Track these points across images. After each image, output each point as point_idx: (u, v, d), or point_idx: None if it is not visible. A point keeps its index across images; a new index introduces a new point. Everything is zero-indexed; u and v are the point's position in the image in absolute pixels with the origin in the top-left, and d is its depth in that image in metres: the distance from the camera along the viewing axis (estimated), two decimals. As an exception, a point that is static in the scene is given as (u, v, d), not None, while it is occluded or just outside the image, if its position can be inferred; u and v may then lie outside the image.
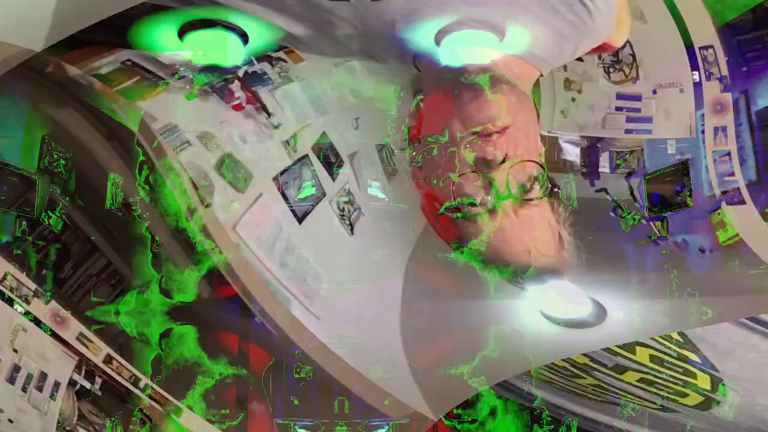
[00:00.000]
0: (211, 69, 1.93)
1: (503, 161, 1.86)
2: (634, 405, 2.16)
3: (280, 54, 1.94)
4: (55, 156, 1.88)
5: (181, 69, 1.92)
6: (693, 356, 2.10)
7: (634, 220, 2.01)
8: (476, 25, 1.81)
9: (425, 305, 2.12)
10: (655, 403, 2.15)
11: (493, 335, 2.08)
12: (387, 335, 2.12)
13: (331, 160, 2.08)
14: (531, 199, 1.88)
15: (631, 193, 2.03)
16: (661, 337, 2.09)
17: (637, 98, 1.99)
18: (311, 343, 2.07)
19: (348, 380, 2.11)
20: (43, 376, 1.77)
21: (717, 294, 1.97)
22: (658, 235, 2.01)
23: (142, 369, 1.95)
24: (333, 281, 2.07)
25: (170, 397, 1.93)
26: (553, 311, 2.06)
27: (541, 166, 1.90)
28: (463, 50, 1.87)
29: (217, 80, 1.94)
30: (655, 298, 1.99)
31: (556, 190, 1.94)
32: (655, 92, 1.99)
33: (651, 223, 2.02)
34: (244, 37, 1.88)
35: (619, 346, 2.10)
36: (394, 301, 2.12)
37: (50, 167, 1.88)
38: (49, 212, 1.86)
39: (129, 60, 1.90)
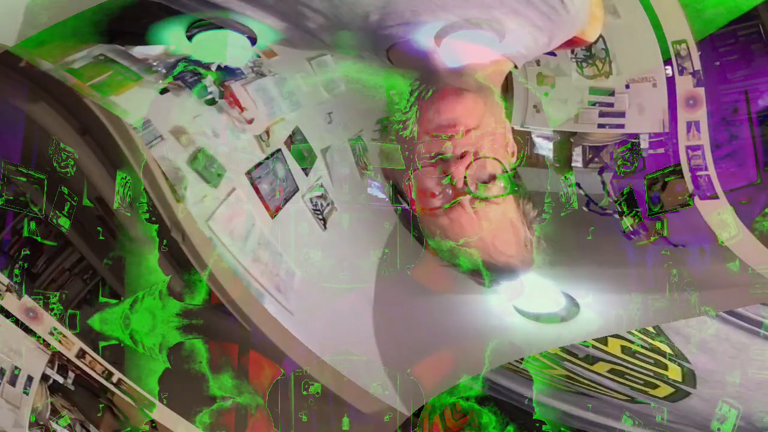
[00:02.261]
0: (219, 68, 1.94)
1: (462, 157, 1.87)
2: (636, 419, 2.17)
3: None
4: (63, 156, 1.88)
5: (155, 64, 1.92)
6: (665, 347, 2.12)
7: (634, 219, 2.02)
8: (474, 26, 1.81)
9: (399, 300, 2.13)
10: (624, 395, 2.16)
11: (489, 351, 2.10)
12: (360, 330, 2.13)
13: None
14: (491, 197, 1.89)
15: (604, 187, 2.05)
16: (633, 328, 2.11)
17: (610, 93, 2.00)
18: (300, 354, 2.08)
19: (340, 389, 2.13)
20: (16, 371, 1.78)
21: (717, 294, 1.99)
22: (631, 229, 2.03)
23: (148, 387, 1.97)
24: (306, 276, 2.08)
25: (143, 391, 1.94)
26: (524, 305, 2.08)
27: (503, 164, 1.91)
28: (461, 49, 1.87)
29: (191, 75, 1.95)
30: (654, 296, 2.00)
31: (520, 189, 1.95)
32: (628, 87, 1.99)
33: (624, 218, 2.04)
34: (252, 38, 1.88)
35: (591, 338, 2.12)
36: (368, 296, 2.13)
37: (59, 167, 1.88)
38: (57, 212, 1.87)
39: (102, 54, 1.90)
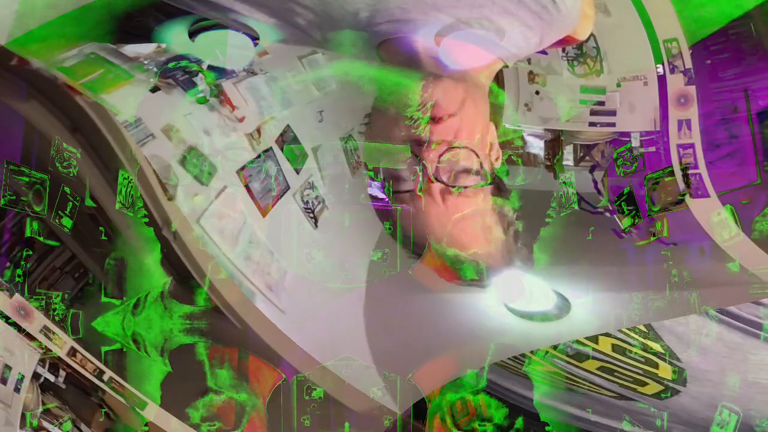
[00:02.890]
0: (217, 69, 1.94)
1: (438, 144, 1.87)
2: (636, 423, 2.17)
3: (244, 46, 1.95)
4: (66, 155, 1.89)
5: (146, 62, 1.93)
6: (656, 346, 2.12)
7: (633, 219, 2.02)
8: (465, 25, 1.81)
9: (395, 299, 2.14)
10: (612, 392, 2.16)
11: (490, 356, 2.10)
12: (355, 329, 2.13)
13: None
14: (460, 189, 1.89)
15: (595, 186, 2.05)
16: (625, 326, 2.11)
17: (601, 91, 2.00)
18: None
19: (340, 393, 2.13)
20: (7, 369, 1.79)
21: (717, 293, 1.99)
22: (623, 228, 2.03)
23: (148, 392, 1.97)
24: (297, 274, 2.08)
25: (134, 390, 1.95)
26: (515, 304, 2.08)
27: (480, 157, 1.90)
28: (458, 50, 1.88)
29: (182, 74, 1.95)
30: (654, 296, 2.01)
31: (497, 186, 1.95)
32: (619, 85, 1.99)
33: (615, 216, 2.04)
34: (254, 37, 1.89)
35: (581, 336, 2.12)
36: (362, 295, 2.13)
37: (62, 167, 1.88)
38: (60, 212, 1.87)
39: (93, 53, 1.90)
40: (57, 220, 1.86)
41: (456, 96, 1.88)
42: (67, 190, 1.89)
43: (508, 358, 2.14)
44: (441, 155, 1.88)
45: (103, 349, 1.92)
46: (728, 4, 1.90)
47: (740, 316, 2.07)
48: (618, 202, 2.03)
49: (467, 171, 1.90)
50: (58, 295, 1.87)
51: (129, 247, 1.97)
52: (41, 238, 1.85)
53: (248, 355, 2.06)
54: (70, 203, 1.89)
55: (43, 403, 1.85)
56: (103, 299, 1.94)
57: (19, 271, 1.81)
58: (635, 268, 2.03)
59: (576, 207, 2.02)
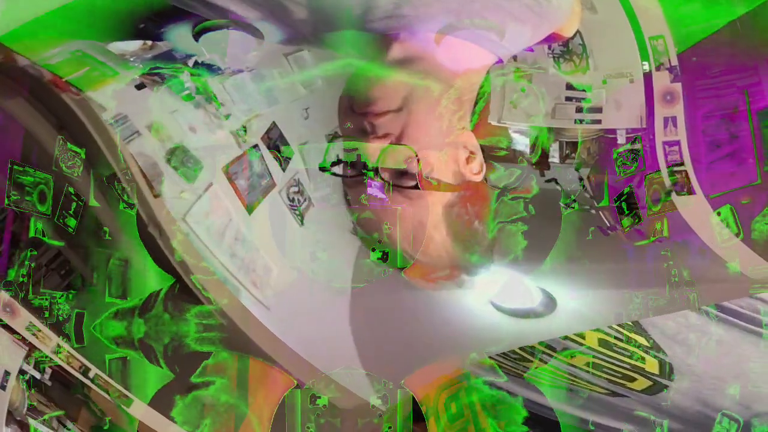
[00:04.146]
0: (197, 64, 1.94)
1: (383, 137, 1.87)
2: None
3: (230, 43, 1.94)
4: (70, 155, 1.89)
5: (132, 59, 1.93)
6: (642, 340, 2.13)
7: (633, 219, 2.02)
8: (458, 22, 1.81)
9: (376, 294, 2.14)
10: (603, 388, 2.17)
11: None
12: (337, 323, 2.14)
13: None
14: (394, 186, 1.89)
15: (582, 183, 2.05)
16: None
17: (587, 88, 2.00)
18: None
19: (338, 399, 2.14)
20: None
21: (717, 293, 2.00)
22: (608, 225, 2.03)
23: (140, 394, 1.97)
24: (283, 271, 2.09)
25: (119, 387, 1.95)
26: (501, 301, 2.09)
27: (420, 164, 1.89)
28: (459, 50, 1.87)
29: (169, 71, 1.95)
30: (654, 296, 2.01)
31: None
32: (605, 82, 1.99)
33: (601, 213, 2.04)
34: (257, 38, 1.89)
35: (568, 331, 2.13)
36: (345, 291, 2.14)
37: (66, 167, 1.88)
38: (64, 212, 1.87)
39: (79, 50, 1.90)
40: (61, 221, 1.87)
41: (396, 91, 1.87)
42: (71, 189, 1.89)
43: (509, 362, 2.15)
44: (381, 149, 1.88)
45: (108, 357, 1.93)
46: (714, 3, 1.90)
47: (729, 308, 2.08)
48: (618, 202, 2.03)
49: (408, 173, 1.90)
50: (62, 295, 1.88)
51: (118, 245, 1.98)
52: (46, 239, 1.86)
53: (248, 360, 2.06)
54: (75, 203, 1.89)
55: (30, 401, 1.85)
56: (107, 299, 1.95)
57: (23, 271, 1.82)
58: (635, 267, 2.03)
59: (576, 208, 2.03)
